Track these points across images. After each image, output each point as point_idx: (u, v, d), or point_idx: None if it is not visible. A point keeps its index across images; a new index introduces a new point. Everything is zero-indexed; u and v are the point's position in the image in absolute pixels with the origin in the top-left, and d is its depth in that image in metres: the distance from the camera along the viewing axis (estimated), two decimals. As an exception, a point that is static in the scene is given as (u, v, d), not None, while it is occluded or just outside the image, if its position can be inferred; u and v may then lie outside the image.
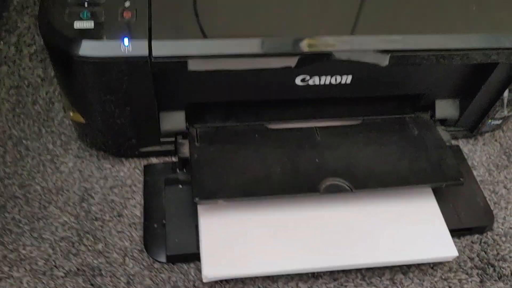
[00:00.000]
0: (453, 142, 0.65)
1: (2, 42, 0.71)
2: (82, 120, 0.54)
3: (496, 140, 0.67)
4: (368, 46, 0.48)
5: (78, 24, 0.45)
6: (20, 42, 0.72)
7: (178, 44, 0.46)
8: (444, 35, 0.50)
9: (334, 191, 0.53)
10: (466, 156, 0.65)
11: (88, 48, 0.45)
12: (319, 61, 0.49)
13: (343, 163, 0.56)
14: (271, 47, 0.47)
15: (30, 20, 0.75)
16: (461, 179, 0.56)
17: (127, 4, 0.47)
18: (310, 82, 0.54)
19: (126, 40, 0.45)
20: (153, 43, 0.45)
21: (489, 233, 0.58)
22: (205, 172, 0.54)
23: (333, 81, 0.55)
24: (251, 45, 0.47)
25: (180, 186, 0.57)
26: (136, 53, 0.45)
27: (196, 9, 0.48)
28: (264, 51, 0.47)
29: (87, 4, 0.47)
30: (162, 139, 0.59)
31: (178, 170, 0.59)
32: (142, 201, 0.58)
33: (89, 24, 0.45)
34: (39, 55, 0.70)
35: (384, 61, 0.50)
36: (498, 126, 0.64)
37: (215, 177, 0.53)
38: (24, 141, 0.62)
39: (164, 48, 0.45)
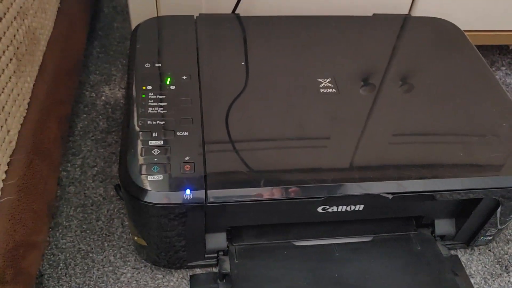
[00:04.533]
0: (453, 252, 0.76)
1: (69, 165, 0.85)
2: (144, 243, 0.66)
3: (490, 250, 0.78)
4: (377, 190, 0.61)
5: (150, 177, 0.59)
6: (84, 164, 0.86)
7: (227, 192, 0.59)
8: (434, 179, 0.62)
9: (351, 305, 0.64)
10: (464, 265, 0.75)
11: (158, 198, 0.58)
12: (339, 200, 0.62)
13: (358, 278, 0.67)
14: (302, 193, 0.60)
15: (92, 144, 0.89)
16: (458, 292, 0.66)
17: (187, 158, 0.61)
18: (329, 210, 0.66)
19: (188, 191, 0.58)
20: (208, 192, 0.58)
21: (487, 338, 0.68)
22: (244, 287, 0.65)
23: (348, 209, 0.67)
24: (286, 193, 0.60)
25: (222, 297, 0.69)
26: (195, 200, 0.58)
27: (241, 161, 0.62)
28: (295, 197, 0.60)
29: (157, 159, 0.60)
30: (206, 255, 0.70)
31: (219, 281, 0.70)
32: (190, 309, 0.69)
33: (158, 177, 0.59)
34: (100, 176, 0.84)
35: (389, 198, 0.62)
36: (490, 240, 0.75)
37: (253, 292, 0.65)
38: (90, 254, 0.74)
39: (217, 197, 0.58)
